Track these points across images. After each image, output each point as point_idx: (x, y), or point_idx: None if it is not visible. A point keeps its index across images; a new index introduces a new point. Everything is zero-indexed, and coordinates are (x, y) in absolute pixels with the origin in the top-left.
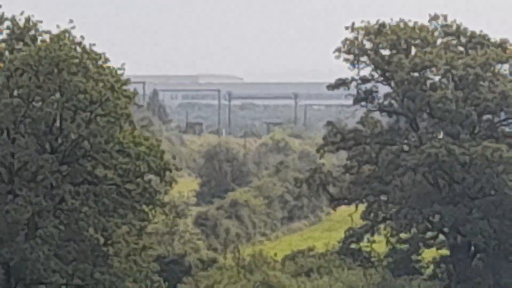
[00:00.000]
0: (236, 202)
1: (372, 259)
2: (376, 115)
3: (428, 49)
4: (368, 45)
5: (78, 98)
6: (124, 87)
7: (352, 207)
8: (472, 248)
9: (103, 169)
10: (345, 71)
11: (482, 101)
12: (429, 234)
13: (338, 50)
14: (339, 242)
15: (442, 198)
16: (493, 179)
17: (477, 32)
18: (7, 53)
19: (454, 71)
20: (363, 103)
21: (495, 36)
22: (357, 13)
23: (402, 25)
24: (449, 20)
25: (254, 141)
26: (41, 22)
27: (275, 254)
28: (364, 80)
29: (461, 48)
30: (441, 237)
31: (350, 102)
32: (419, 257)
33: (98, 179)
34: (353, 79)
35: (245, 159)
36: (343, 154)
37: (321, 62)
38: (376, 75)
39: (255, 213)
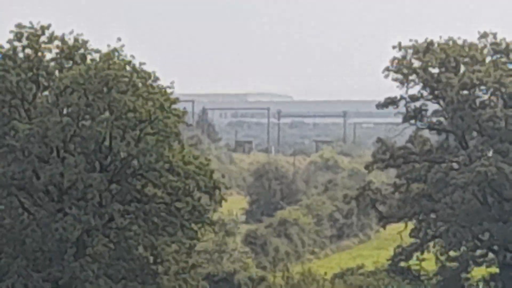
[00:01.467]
0: (285, 220)
1: (422, 277)
2: (425, 133)
3: (477, 67)
4: (416, 63)
5: (128, 116)
6: (174, 106)
7: (401, 225)
8: None
9: (153, 188)
10: (394, 89)
11: None
12: (479, 252)
13: (387, 69)
14: (388, 260)
15: (491, 216)
16: None
17: None
18: (57, 72)
19: (503, 89)
20: (412, 121)
21: None
22: (406, 31)
23: (450, 43)
24: (499, 38)
25: (303, 159)
26: (87, 42)
27: (325, 273)
28: (413, 98)
29: (510, 66)
30: (491, 255)
31: (399, 120)
32: (468, 275)
33: (147, 198)
34: (402, 98)
35: (294, 177)
36: (392, 172)
37: (370, 80)
38: (425, 93)
39: (304, 232)
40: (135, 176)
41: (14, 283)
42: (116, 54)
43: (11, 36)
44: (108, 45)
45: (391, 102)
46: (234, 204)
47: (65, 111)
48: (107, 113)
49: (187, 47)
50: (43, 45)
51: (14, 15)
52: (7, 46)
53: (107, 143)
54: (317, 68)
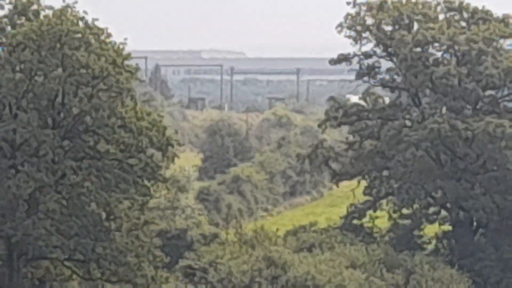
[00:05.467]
0: (238, 177)
1: (374, 235)
2: (378, 90)
3: (431, 24)
4: (370, 20)
5: (80, 73)
6: (126, 62)
7: (354, 182)
8: (475, 223)
9: (105, 144)
10: (348, 47)
11: (485, 77)
12: (432, 209)
13: (340, 25)
14: (341, 217)
15: (444, 174)
16: (495, 154)
17: (480, 7)
18: (9, 28)
19: (456, 47)
20: (365, 79)
21: (497, 12)
22: None
23: (404, 0)
24: None
25: (257, 116)
26: None
27: (277, 230)
28: (367, 55)
29: (463, 24)
30: (443, 212)
31: (353, 77)
32: (421, 233)
33: (100, 154)
34: (355, 55)
35: (247, 134)
36: (346, 129)
37: (324, 37)
38: (378, 51)
39: (257, 189)
40: (87, 132)
41: None
42: (69, 10)
43: None
44: (64, 1)
45: (344, 58)
46: (187, 161)
47: (17, 68)
48: (60, 70)
49: (141, 3)
50: None
51: None
52: None
53: (59, 99)
54: (271, 25)
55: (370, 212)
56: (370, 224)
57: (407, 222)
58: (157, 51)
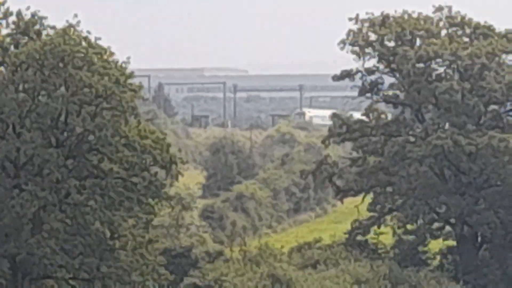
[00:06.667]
0: (242, 194)
1: (379, 251)
2: (381, 106)
3: (433, 40)
4: (373, 36)
5: (84, 92)
6: (130, 81)
7: (358, 198)
8: (479, 238)
9: (109, 163)
10: (351, 63)
11: (488, 92)
12: (436, 225)
13: (343, 41)
14: (345, 233)
15: (448, 189)
16: (499, 169)
17: (482, 23)
18: (12, 47)
19: (459, 62)
20: (368, 95)
21: (499, 27)
22: (362, 4)
23: (406, 16)
24: (454, 11)
25: (260, 133)
26: (45, 18)
27: (282, 247)
28: (369, 71)
29: (466, 39)
30: (448, 228)
31: (355, 93)
32: (425, 248)
33: (104, 173)
34: (358, 71)
35: (251, 151)
36: (349, 146)
37: (327, 54)
38: (381, 67)
39: (261, 206)
40: (91, 151)
41: None
42: (72, 30)
43: None
44: (67, 21)
45: (347, 74)
46: (191, 179)
47: (21, 87)
48: (63, 89)
49: (143, 22)
50: None
51: None
52: None
53: (63, 118)
54: (273, 42)
55: (374, 228)
56: (374, 240)
57: (411, 238)
58: (160, 69)
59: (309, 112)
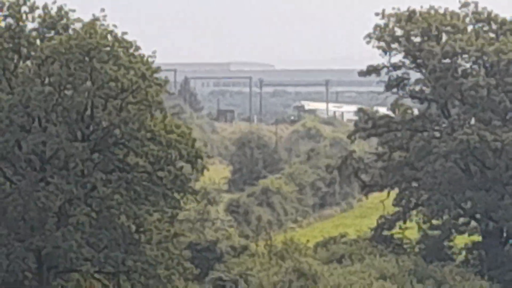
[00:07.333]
0: (267, 189)
1: (404, 246)
2: (407, 101)
3: (459, 35)
4: (399, 32)
5: (109, 86)
6: (155, 75)
7: (384, 193)
8: (504, 234)
9: (135, 157)
10: (377, 58)
11: None
12: (461, 220)
13: (369, 36)
14: (371, 229)
15: (474, 184)
16: None
17: (508, 18)
18: (38, 41)
19: (485, 57)
20: (394, 90)
21: None
22: None
23: (432, 12)
24: (480, 7)
25: (286, 128)
26: (73, 11)
27: (307, 241)
28: (395, 67)
29: (492, 35)
30: (473, 223)
31: (382, 89)
32: (451, 244)
33: (129, 167)
34: (384, 66)
35: (277, 146)
36: (375, 141)
37: (353, 49)
38: (407, 62)
39: (286, 200)
40: (117, 145)
41: None
42: (98, 23)
43: None
44: (94, 15)
45: (373, 70)
46: (216, 173)
47: (47, 81)
48: (89, 83)
49: (170, 16)
50: (24, 15)
51: None
52: None
53: (89, 112)
54: (299, 37)
55: (400, 223)
56: (400, 235)
57: (436, 233)
58: (186, 63)
59: (308, 105)
